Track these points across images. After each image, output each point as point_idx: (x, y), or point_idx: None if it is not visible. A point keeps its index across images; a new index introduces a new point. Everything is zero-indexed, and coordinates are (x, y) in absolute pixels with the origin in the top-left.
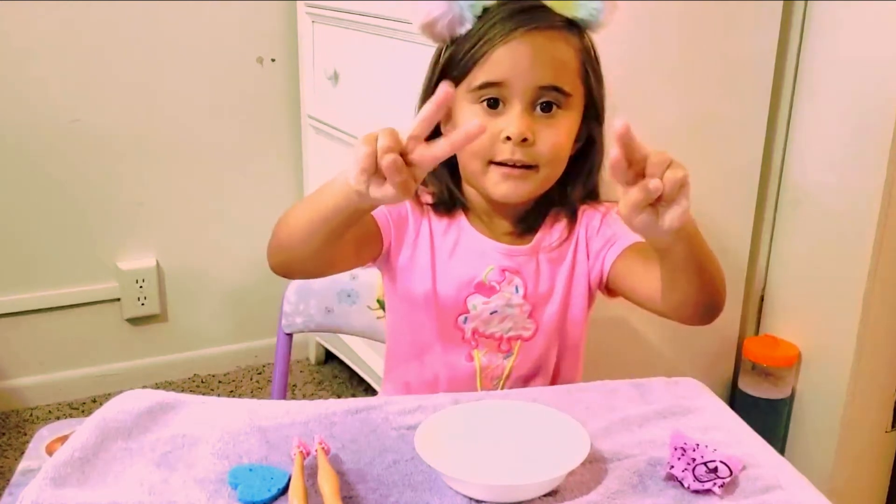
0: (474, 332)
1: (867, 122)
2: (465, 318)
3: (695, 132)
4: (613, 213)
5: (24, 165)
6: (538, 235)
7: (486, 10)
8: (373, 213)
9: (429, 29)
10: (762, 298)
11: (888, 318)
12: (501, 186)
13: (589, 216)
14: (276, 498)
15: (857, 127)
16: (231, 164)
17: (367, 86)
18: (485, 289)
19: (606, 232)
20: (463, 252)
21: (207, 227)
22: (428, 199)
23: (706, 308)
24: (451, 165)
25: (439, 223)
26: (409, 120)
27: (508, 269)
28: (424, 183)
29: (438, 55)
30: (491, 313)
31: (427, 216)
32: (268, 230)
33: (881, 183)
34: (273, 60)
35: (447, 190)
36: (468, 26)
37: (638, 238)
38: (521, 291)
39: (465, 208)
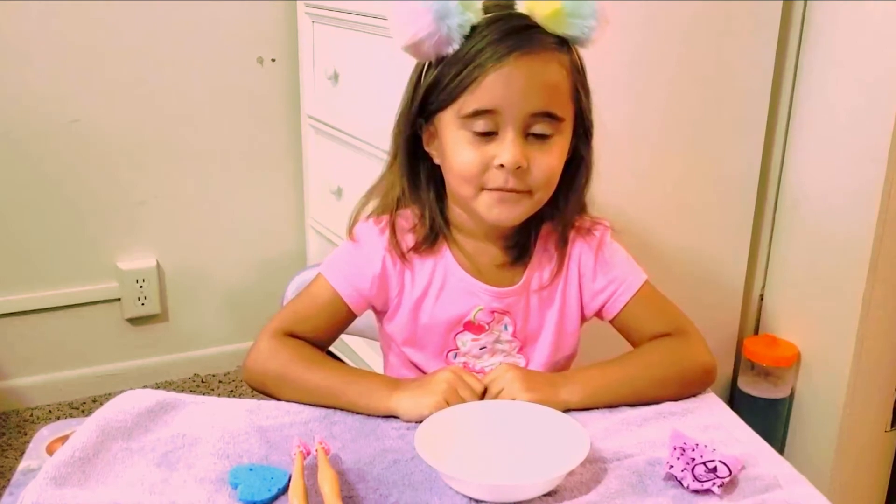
0: (465, 366)
1: (867, 122)
2: (455, 355)
3: (695, 132)
4: (608, 244)
5: (24, 165)
6: (527, 272)
7: (474, 28)
8: (343, 292)
9: (414, 49)
10: (762, 298)
11: (888, 318)
12: (494, 210)
13: (581, 248)
14: (276, 498)
15: (857, 127)
16: (231, 164)
17: (367, 86)
18: (473, 327)
19: (609, 272)
20: (450, 293)
21: (207, 227)
22: (411, 243)
23: (696, 391)
24: (436, 188)
25: (423, 265)
26: None
27: (497, 309)
28: (407, 205)
29: (420, 73)
30: (480, 349)
31: (409, 264)
32: (268, 230)
33: (881, 183)
34: (273, 60)
35: (431, 216)
36: (455, 47)
37: (640, 278)
38: (511, 329)
39: (449, 237)
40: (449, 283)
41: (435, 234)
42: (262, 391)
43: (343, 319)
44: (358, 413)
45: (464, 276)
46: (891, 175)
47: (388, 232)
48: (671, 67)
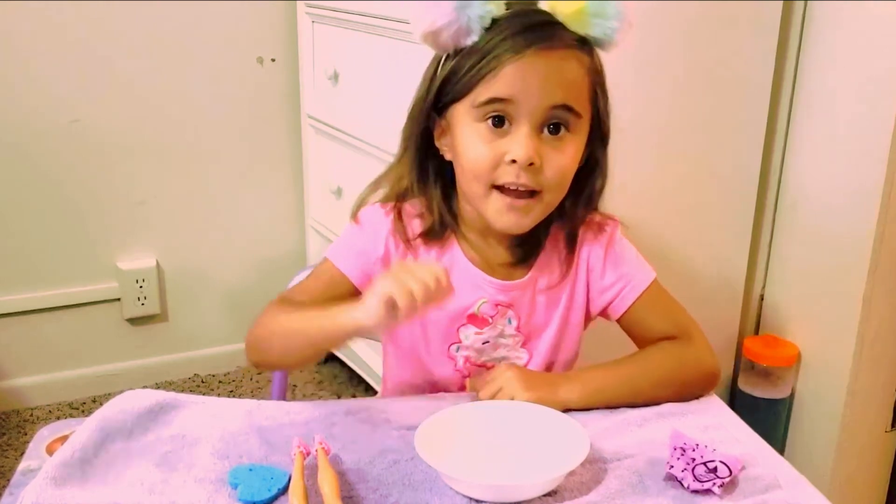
0: (466, 360)
1: (867, 122)
2: (458, 348)
3: (695, 132)
4: (618, 241)
5: (24, 165)
6: (533, 271)
7: (494, 22)
8: (347, 271)
9: (432, 38)
10: (762, 298)
11: (888, 318)
12: (503, 218)
13: (590, 244)
14: (276, 498)
15: (857, 127)
16: (231, 163)
17: (367, 86)
18: (477, 320)
19: (617, 268)
20: (455, 284)
21: (207, 227)
22: (417, 229)
23: (698, 394)
24: (443, 184)
25: (429, 254)
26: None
27: (502, 303)
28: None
29: (436, 65)
30: (483, 343)
31: (413, 250)
32: (268, 230)
33: (881, 183)
34: (273, 60)
35: (439, 213)
36: (475, 38)
37: (649, 276)
38: (515, 323)
39: (457, 231)
40: (454, 274)
41: (444, 227)
42: (260, 360)
43: (349, 301)
44: (331, 341)
45: (469, 268)
46: (891, 175)
47: (392, 215)
48: (671, 67)
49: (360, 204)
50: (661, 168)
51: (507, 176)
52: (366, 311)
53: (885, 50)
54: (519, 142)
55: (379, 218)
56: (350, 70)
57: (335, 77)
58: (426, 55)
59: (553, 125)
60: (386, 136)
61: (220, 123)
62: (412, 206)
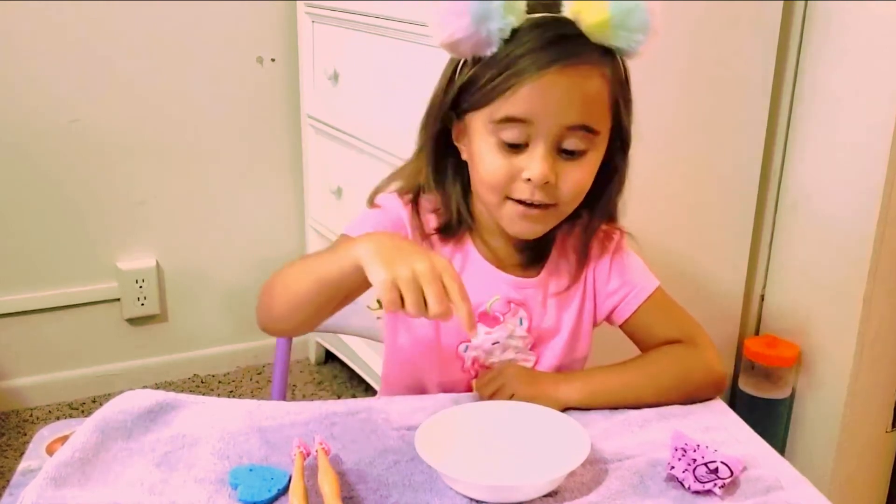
0: (474, 361)
1: (867, 122)
2: (466, 347)
3: (695, 132)
4: (624, 249)
5: (24, 165)
6: (544, 273)
7: (515, 32)
8: None
9: (451, 47)
10: (762, 298)
11: (888, 319)
12: (517, 225)
13: (597, 250)
14: (276, 498)
15: (857, 127)
16: (231, 163)
17: (367, 86)
18: (488, 319)
19: (623, 275)
20: (468, 280)
21: (207, 227)
22: (433, 224)
23: (704, 397)
24: (463, 182)
25: (443, 250)
26: (408, 120)
27: (514, 300)
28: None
29: (454, 69)
30: (493, 343)
31: (429, 244)
32: (268, 230)
33: (881, 183)
34: (273, 60)
35: (457, 210)
36: (494, 49)
37: (653, 283)
38: (526, 324)
39: (472, 228)
40: (467, 270)
41: (460, 224)
42: (280, 328)
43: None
44: (333, 283)
45: (483, 264)
46: (891, 175)
47: (410, 208)
48: (672, 68)
49: (377, 193)
50: (662, 168)
51: (522, 192)
52: (374, 277)
53: (885, 50)
54: (535, 161)
55: (398, 206)
56: (350, 70)
57: (335, 77)
58: (426, 55)
59: (569, 146)
60: (386, 136)
61: (220, 123)
62: (427, 201)
